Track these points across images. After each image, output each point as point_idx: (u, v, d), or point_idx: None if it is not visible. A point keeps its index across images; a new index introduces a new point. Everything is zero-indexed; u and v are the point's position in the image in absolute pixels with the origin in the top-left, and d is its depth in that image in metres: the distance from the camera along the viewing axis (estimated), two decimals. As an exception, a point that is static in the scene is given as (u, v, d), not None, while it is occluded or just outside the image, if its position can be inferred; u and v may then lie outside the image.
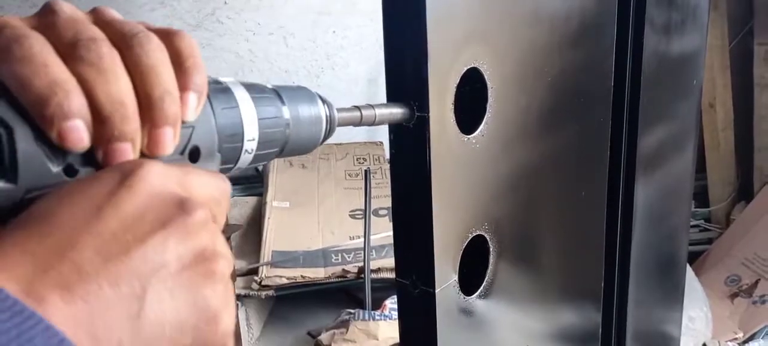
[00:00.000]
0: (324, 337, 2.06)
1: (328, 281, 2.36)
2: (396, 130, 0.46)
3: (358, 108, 0.43)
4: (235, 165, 0.34)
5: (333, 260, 2.49)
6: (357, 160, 2.97)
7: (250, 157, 0.34)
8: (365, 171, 2.22)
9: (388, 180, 0.49)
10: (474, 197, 0.51)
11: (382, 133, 3.09)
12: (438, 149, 0.46)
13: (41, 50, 0.25)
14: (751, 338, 2.05)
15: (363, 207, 2.44)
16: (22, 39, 0.25)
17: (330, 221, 2.68)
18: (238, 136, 0.32)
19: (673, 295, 1.26)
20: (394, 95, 0.46)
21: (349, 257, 2.50)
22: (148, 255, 0.25)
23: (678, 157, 1.08)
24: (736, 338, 2.04)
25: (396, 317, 0.51)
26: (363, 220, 2.44)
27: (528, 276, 0.65)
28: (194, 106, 0.29)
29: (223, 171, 0.33)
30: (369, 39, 2.92)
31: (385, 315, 2.04)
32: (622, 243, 0.90)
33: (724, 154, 2.65)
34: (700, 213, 2.76)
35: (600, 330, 0.90)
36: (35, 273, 0.22)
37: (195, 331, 0.26)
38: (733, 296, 2.22)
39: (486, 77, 0.49)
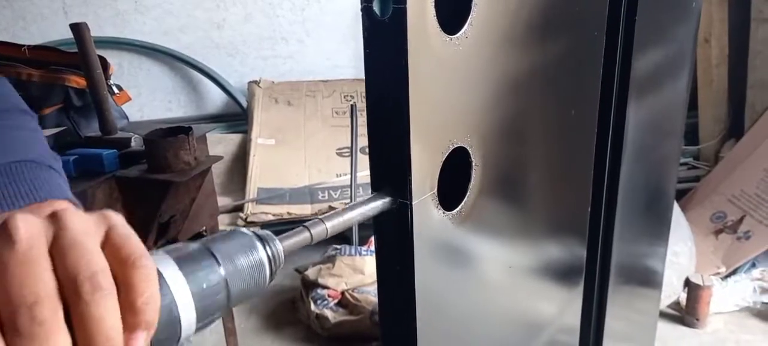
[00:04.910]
0: (310, 272, 2.06)
1: (314, 217, 2.34)
2: (370, 24, 0.42)
3: (306, 228, 0.40)
4: None
5: (319, 197, 2.46)
6: (344, 97, 2.90)
7: (189, 341, 0.33)
8: (352, 106, 2.16)
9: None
10: (456, 104, 0.47)
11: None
12: (417, 47, 0.41)
13: None
14: (734, 272, 2.08)
15: (350, 145, 2.40)
16: None
17: (316, 159, 2.64)
18: (175, 335, 0.31)
19: (659, 228, 1.25)
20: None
21: (335, 194, 2.47)
22: None
23: (672, 84, 1.04)
24: (718, 273, 2.07)
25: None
26: (350, 157, 2.40)
27: (512, 196, 0.62)
28: (141, 345, 0.29)
29: None
30: (356, -30, 2.80)
31: (371, 250, 2.04)
32: (611, 172, 0.87)
33: (716, 91, 2.62)
34: (689, 151, 2.75)
35: (584, 260, 0.88)
36: None
37: None
38: (718, 232, 2.23)
39: (471, -30, 0.45)
